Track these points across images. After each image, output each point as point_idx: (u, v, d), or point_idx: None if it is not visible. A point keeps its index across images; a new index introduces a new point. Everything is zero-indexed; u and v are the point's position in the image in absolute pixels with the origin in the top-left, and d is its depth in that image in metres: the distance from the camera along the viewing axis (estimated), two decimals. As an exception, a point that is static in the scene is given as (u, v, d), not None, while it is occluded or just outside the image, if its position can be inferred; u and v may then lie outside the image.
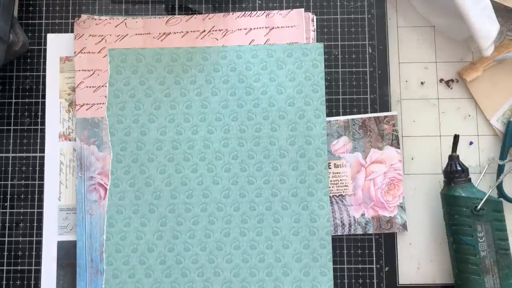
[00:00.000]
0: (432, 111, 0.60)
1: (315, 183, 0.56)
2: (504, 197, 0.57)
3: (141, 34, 0.59)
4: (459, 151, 0.57)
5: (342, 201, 0.58)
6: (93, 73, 0.58)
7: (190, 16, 0.59)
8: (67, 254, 0.57)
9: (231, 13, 0.60)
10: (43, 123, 0.59)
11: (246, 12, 0.59)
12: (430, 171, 0.59)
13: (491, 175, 0.59)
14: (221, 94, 0.57)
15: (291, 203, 0.56)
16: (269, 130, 0.57)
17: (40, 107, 0.60)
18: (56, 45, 0.60)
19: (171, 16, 0.60)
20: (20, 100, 0.60)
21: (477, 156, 0.59)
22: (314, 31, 0.59)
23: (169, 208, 0.56)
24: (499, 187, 0.58)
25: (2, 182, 0.59)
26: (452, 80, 0.60)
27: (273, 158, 0.57)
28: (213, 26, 0.59)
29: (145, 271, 0.55)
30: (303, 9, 0.59)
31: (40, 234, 0.58)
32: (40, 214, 0.58)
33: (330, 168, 0.58)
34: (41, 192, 0.58)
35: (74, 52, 0.59)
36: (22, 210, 0.58)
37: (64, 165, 0.58)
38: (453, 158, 0.56)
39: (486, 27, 0.54)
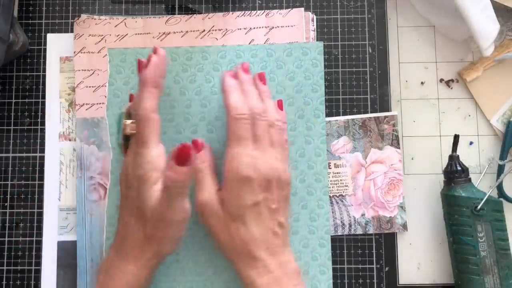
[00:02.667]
0: (432, 111, 0.60)
1: (314, 182, 0.56)
2: (504, 197, 0.57)
3: (140, 34, 0.59)
4: (459, 151, 0.56)
5: (342, 201, 0.58)
6: (92, 73, 0.58)
7: (190, 16, 0.59)
8: (67, 254, 0.57)
9: (230, 12, 0.60)
10: (43, 123, 0.59)
11: (246, 12, 0.59)
12: (430, 171, 0.59)
13: (491, 175, 0.59)
14: (221, 94, 0.57)
15: (290, 202, 0.56)
16: (268, 130, 0.57)
17: (40, 107, 0.60)
18: (56, 45, 0.60)
19: (171, 16, 0.60)
20: (20, 100, 0.60)
21: (477, 156, 0.59)
22: (314, 30, 0.59)
23: (168, 208, 0.56)
24: (499, 187, 0.57)
25: (2, 182, 0.59)
26: (452, 80, 0.60)
27: (272, 158, 0.57)
28: (213, 26, 0.59)
29: (144, 271, 0.55)
30: (303, 9, 0.59)
31: (40, 234, 0.58)
32: (40, 214, 0.58)
33: (330, 168, 0.58)
34: (41, 192, 0.58)
35: (74, 52, 0.59)
36: (22, 210, 0.58)
37: (64, 165, 0.58)
38: (453, 158, 0.56)
39: (486, 27, 0.54)
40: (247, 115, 0.49)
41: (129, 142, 0.50)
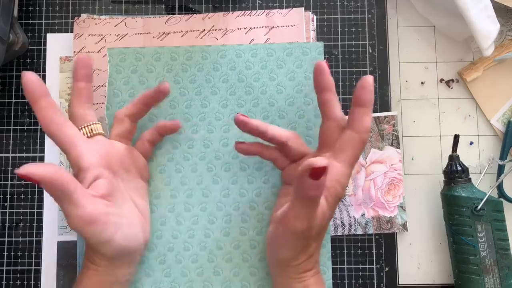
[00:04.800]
0: (432, 111, 0.60)
1: (314, 182, 0.56)
2: (504, 197, 0.57)
3: (140, 33, 0.59)
4: (459, 151, 0.56)
5: (342, 201, 0.57)
6: (92, 73, 0.58)
7: (190, 15, 0.59)
8: (67, 254, 0.57)
9: (230, 12, 0.60)
10: (43, 123, 0.59)
11: (246, 12, 0.59)
12: (430, 171, 0.59)
13: (491, 175, 0.59)
14: (221, 94, 0.57)
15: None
16: (269, 130, 0.57)
17: (40, 107, 0.60)
18: (56, 45, 0.60)
19: (171, 15, 0.60)
20: (20, 100, 0.60)
21: (477, 156, 0.59)
22: (314, 30, 0.59)
23: (168, 208, 0.56)
24: (499, 187, 0.57)
25: (2, 182, 0.59)
26: (452, 80, 0.60)
27: (273, 158, 0.56)
28: (213, 26, 0.59)
29: (144, 270, 0.55)
30: (303, 9, 0.59)
31: (40, 234, 0.58)
32: (40, 214, 0.58)
33: (330, 168, 0.58)
34: (41, 192, 0.58)
35: (74, 52, 0.59)
36: (22, 210, 0.58)
37: (64, 165, 0.58)
38: (453, 158, 0.56)
39: (486, 27, 0.54)
40: None
41: None
